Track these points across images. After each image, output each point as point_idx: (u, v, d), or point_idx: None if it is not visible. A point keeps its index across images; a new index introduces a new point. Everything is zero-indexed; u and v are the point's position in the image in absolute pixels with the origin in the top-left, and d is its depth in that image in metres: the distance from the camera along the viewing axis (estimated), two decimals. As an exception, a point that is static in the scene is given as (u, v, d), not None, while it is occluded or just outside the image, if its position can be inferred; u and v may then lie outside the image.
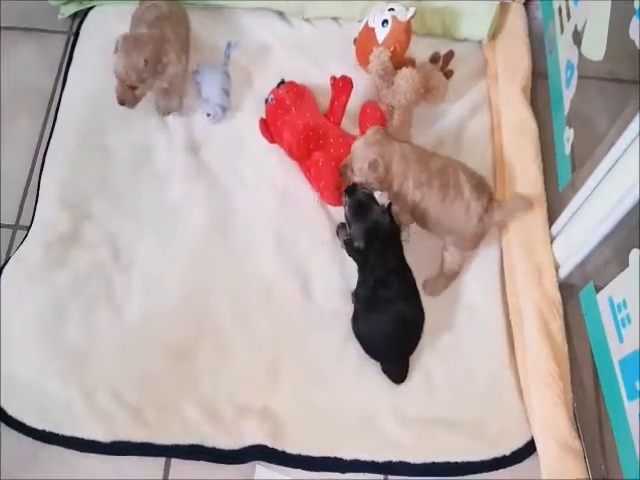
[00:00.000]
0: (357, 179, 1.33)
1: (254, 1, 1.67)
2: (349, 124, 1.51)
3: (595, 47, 1.23)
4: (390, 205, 1.27)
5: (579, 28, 1.31)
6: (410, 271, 1.29)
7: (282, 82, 1.52)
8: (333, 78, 1.50)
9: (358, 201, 1.27)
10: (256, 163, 1.51)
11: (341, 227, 1.41)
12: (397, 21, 1.49)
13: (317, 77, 1.57)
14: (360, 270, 1.31)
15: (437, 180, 1.30)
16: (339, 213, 1.43)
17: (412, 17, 1.49)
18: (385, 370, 1.28)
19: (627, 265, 1.05)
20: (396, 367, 1.29)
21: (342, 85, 1.49)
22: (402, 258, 1.29)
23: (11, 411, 1.24)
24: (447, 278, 1.37)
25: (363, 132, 1.44)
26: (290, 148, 1.43)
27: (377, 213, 1.25)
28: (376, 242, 1.24)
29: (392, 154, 1.31)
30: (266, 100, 1.52)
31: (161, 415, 1.24)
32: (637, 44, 1.07)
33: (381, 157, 1.30)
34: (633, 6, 1.08)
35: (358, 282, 1.31)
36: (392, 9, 1.50)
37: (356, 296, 1.32)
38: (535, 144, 1.46)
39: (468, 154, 1.51)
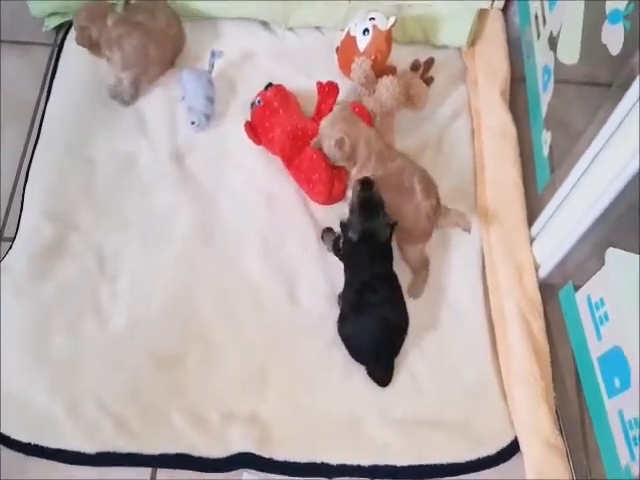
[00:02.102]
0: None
1: (238, 10, 1.69)
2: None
3: (570, 52, 1.26)
4: (395, 224, 1.28)
5: (554, 34, 1.34)
6: (396, 277, 1.30)
7: (269, 85, 1.54)
8: (319, 83, 1.53)
9: (370, 198, 1.26)
10: (241, 170, 1.52)
11: (326, 232, 1.42)
12: (378, 30, 1.51)
13: (301, 84, 1.59)
14: (346, 271, 1.32)
15: (393, 179, 1.34)
16: (324, 218, 1.45)
17: (392, 26, 1.51)
18: (370, 373, 1.29)
19: (604, 264, 1.07)
20: (381, 370, 1.29)
21: (329, 90, 1.51)
22: (390, 266, 1.30)
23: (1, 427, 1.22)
24: (420, 271, 1.38)
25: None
26: (282, 145, 1.44)
27: (380, 222, 1.25)
28: (368, 246, 1.25)
29: (359, 133, 1.35)
30: (252, 103, 1.54)
31: (147, 424, 1.24)
32: (609, 49, 1.09)
33: (347, 135, 1.33)
34: (605, 12, 1.11)
35: (344, 283, 1.33)
36: (373, 18, 1.53)
37: (342, 297, 1.33)
38: (515, 147, 1.49)
39: (449, 158, 1.54)
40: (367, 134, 1.38)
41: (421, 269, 1.38)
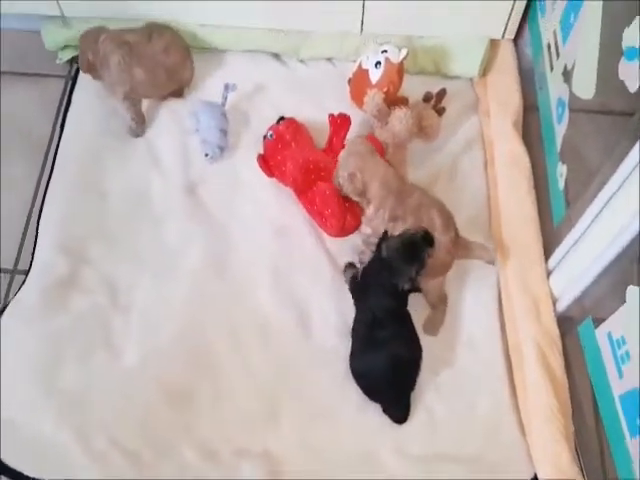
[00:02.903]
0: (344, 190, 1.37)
1: (249, 42, 1.70)
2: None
3: (585, 87, 1.25)
4: (414, 291, 1.29)
5: (569, 67, 1.33)
6: (408, 314, 1.30)
7: (281, 119, 1.55)
8: (331, 115, 1.53)
9: (421, 249, 1.23)
10: (253, 201, 1.52)
11: (348, 267, 1.41)
12: (390, 62, 1.52)
13: (313, 116, 1.59)
14: (357, 304, 1.32)
15: (412, 216, 1.33)
16: (337, 250, 1.45)
17: (404, 58, 1.52)
18: (386, 411, 1.27)
19: (625, 300, 1.05)
20: (397, 408, 1.27)
21: (340, 122, 1.52)
22: (404, 304, 1.30)
23: (8, 460, 1.21)
24: (438, 306, 1.37)
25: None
26: (294, 179, 1.44)
27: (407, 273, 1.23)
28: (386, 276, 1.24)
29: (374, 172, 1.34)
30: (264, 137, 1.54)
31: (160, 460, 1.22)
32: (627, 85, 1.09)
33: (360, 171, 1.33)
34: (621, 47, 1.11)
35: (355, 318, 1.32)
36: (385, 51, 1.54)
37: (353, 332, 1.32)
38: (528, 178, 1.48)
39: (462, 189, 1.54)
40: (384, 174, 1.35)
41: (439, 304, 1.37)
